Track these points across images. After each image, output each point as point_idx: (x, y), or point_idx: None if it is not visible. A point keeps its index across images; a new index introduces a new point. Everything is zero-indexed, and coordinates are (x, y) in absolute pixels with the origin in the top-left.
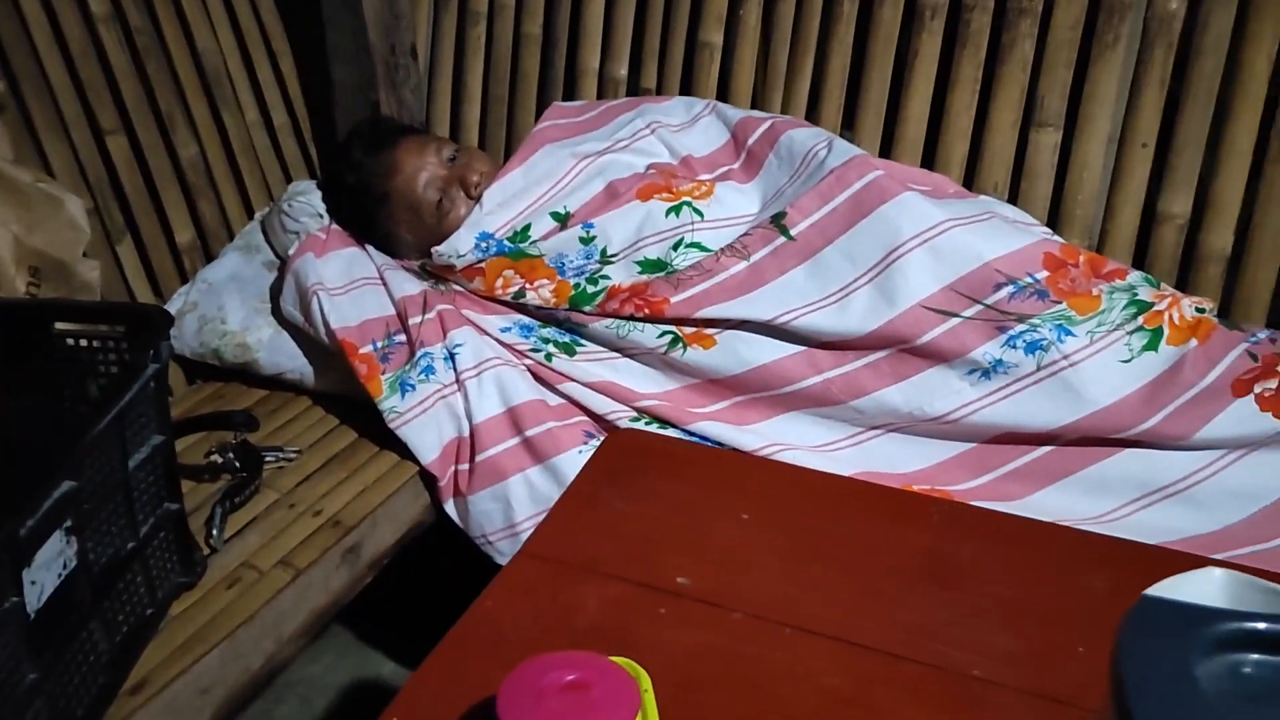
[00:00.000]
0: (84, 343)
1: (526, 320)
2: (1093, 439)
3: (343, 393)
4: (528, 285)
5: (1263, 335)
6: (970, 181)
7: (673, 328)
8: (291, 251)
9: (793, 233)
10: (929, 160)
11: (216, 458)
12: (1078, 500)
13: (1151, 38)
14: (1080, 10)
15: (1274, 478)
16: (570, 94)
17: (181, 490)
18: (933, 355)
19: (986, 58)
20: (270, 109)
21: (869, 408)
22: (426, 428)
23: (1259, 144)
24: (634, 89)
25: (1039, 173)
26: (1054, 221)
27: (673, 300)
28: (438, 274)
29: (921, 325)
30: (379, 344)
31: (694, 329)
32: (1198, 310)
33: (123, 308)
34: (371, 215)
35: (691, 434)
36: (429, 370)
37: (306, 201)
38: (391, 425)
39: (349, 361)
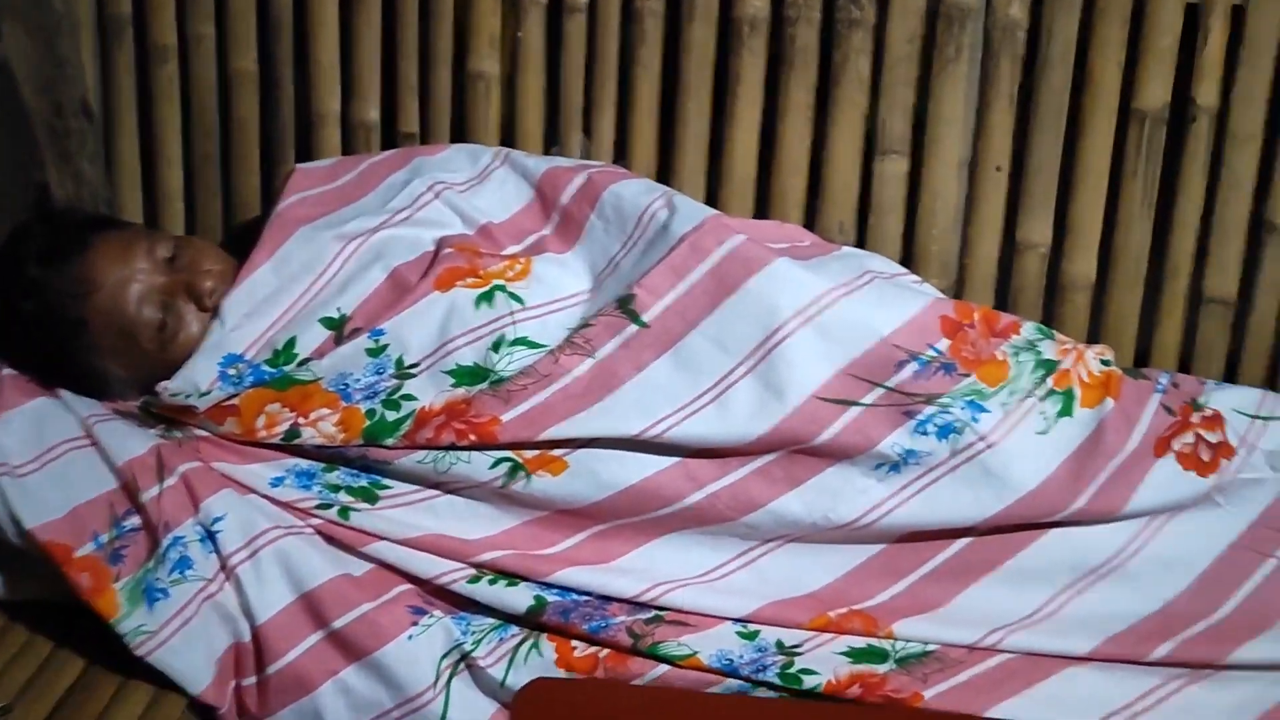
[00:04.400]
0: None
1: (304, 464)
2: (1015, 525)
3: (58, 599)
4: (301, 420)
5: (1165, 381)
6: (812, 222)
7: (509, 453)
8: None
9: (645, 318)
10: (763, 202)
11: None
12: (1006, 597)
13: (995, 49)
14: (917, 21)
15: (1204, 540)
16: (307, 148)
17: None
18: (832, 453)
19: (819, 79)
20: None
21: (764, 522)
22: (192, 646)
23: (1114, 161)
24: (391, 136)
25: (888, 207)
26: (909, 260)
27: (504, 419)
28: (170, 417)
29: (819, 420)
30: (103, 538)
31: (536, 452)
32: (1103, 362)
33: None
34: (63, 350)
35: (551, 585)
36: (183, 564)
37: None
38: (140, 653)
39: (63, 573)
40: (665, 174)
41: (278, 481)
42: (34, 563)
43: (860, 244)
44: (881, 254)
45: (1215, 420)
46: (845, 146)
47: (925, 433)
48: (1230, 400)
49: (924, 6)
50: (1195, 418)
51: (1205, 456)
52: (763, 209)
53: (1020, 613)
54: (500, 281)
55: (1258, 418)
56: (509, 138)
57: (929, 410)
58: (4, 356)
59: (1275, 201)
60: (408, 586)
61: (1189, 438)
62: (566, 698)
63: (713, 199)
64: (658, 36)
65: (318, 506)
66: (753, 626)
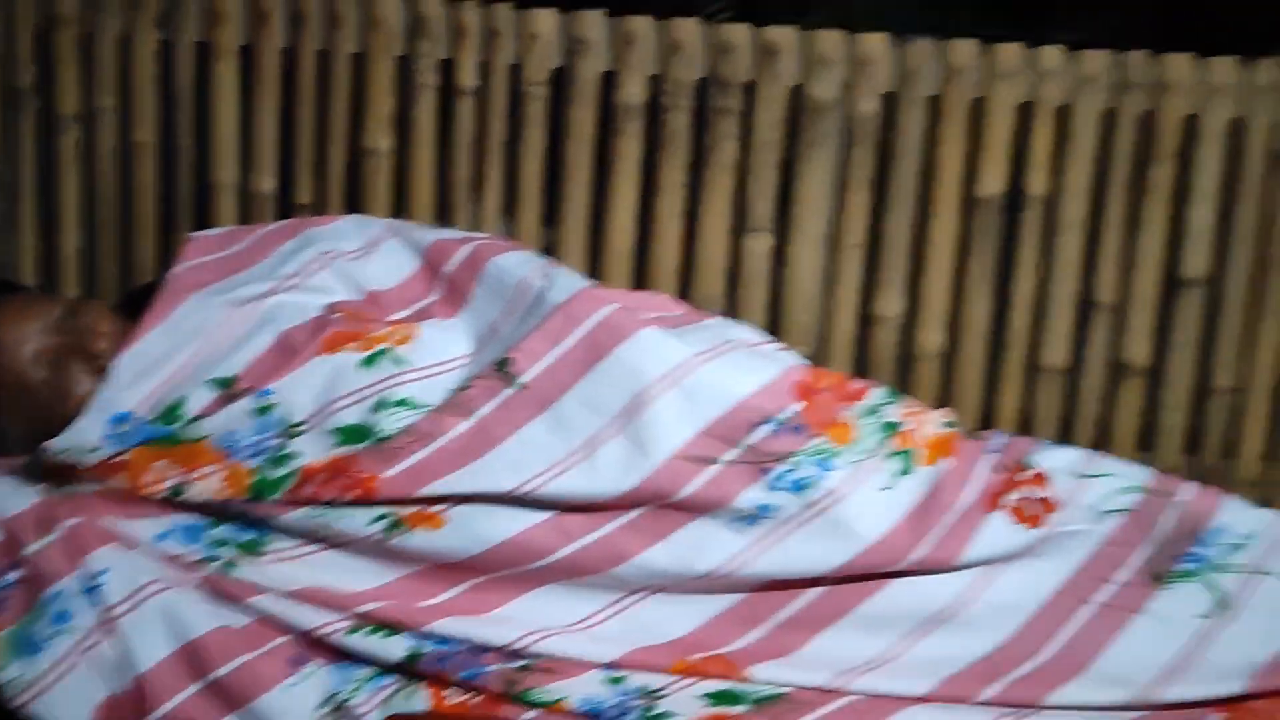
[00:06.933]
0: None
1: (190, 520)
2: (861, 574)
3: None
4: (188, 477)
5: (1000, 442)
6: (686, 293)
7: (389, 509)
8: None
9: (522, 380)
10: (641, 273)
11: None
12: (855, 642)
13: (853, 138)
14: (780, 110)
15: (1032, 586)
16: (204, 216)
17: None
18: (694, 507)
19: (692, 161)
20: None
21: (631, 574)
22: (70, 696)
23: (960, 241)
24: (287, 207)
25: (754, 279)
26: (773, 329)
27: (384, 476)
28: (56, 473)
29: (681, 477)
30: None
31: (416, 507)
32: (946, 424)
33: None
34: None
35: (428, 636)
36: (62, 617)
37: None
38: (19, 703)
39: None
40: (549, 247)
41: (163, 536)
42: None
43: (730, 314)
44: (748, 323)
45: (1040, 478)
46: (715, 224)
47: (778, 488)
48: (1056, 460)
49: (787, 98)
50: (1021, 476)
51: (1032, 511)
52: (640, 280)
53: (866, 656)
54: (386, 345)
55: (1081, 476)
56: (401, 209)
57: (782, 468)
58: None
59: (1100, 281)
60: (288, 638)
61: (1018, 494)
62: None
63: (594, 271)
64: (541, 118)
65: (202, 560)
66: (619, 672)
